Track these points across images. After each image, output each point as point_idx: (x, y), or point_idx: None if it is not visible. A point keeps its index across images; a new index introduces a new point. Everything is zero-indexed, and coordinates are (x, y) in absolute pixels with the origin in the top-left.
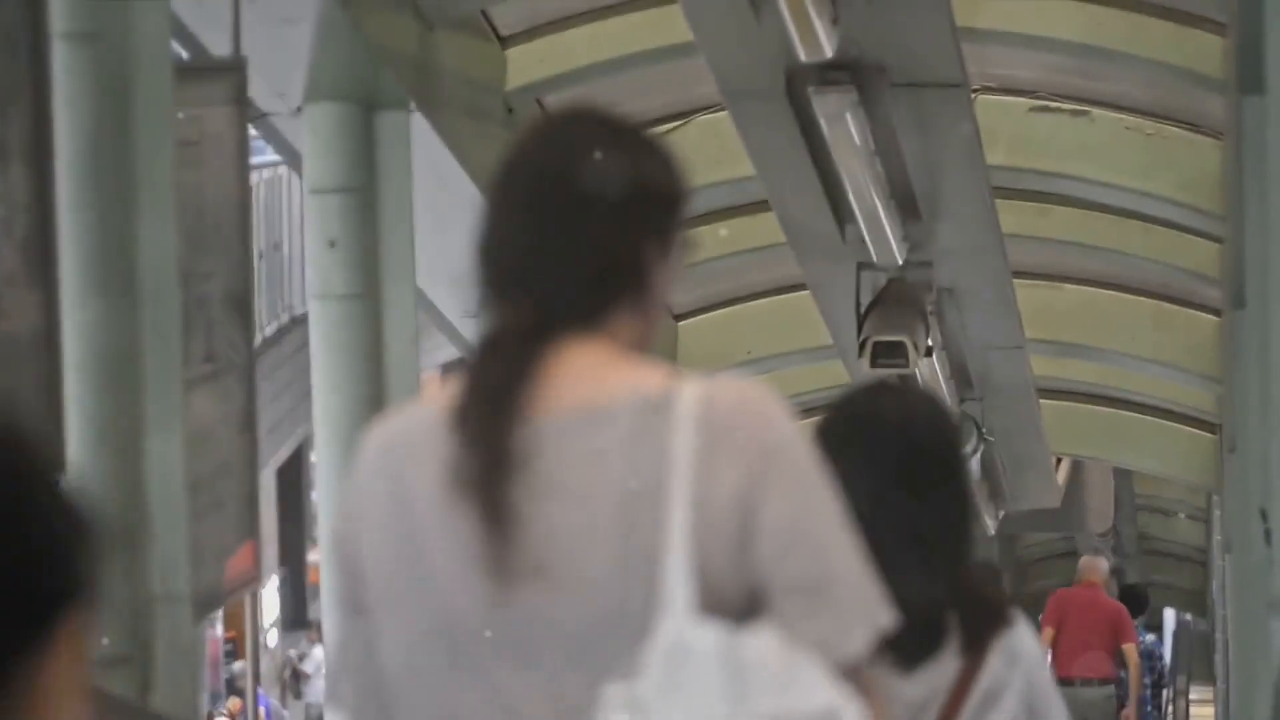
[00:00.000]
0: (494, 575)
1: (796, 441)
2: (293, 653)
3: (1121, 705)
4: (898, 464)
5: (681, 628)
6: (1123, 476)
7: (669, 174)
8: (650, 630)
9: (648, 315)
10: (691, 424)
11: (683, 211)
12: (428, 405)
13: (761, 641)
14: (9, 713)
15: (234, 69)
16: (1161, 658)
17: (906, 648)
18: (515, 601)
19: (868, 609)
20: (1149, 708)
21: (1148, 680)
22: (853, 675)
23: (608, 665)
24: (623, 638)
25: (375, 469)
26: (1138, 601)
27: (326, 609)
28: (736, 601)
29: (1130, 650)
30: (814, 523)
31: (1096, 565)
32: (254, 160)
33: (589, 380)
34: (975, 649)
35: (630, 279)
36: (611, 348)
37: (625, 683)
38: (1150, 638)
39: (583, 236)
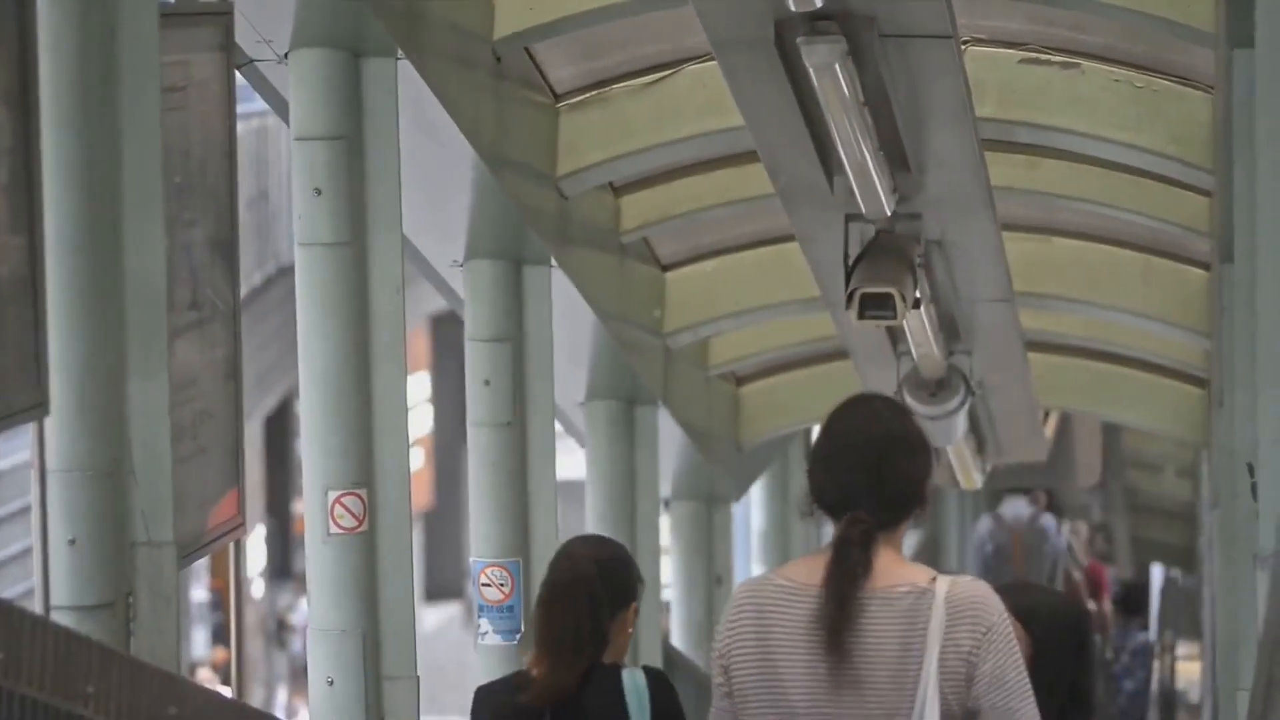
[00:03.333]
0: (827, 685)
1: (1004, 621)
2: (282, 605)
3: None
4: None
5: None
6: (1111, 431)
7: (923, 431)
8: None
9: (921, 516)
10: (943, 608)
11: (934, 455)
12: (789, 579)
13: None
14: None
15: (220, 14)
16: (1154, 655)
17: None
18: (836, 702)
19: None
20: (1143, 702)
21: (1141, 675)
22: None
23: None
24: None
25: (747, 613)
26: (1136, 601)
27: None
28: (961, 715)
29: (1097, 568)
30: (1010, 674)
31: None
32: (242, 109)
33: (887, 572)
34: None
35: (919, 499)
36: (897, 548)
37: None
38: (1142, 636)
39: (894, 474)
